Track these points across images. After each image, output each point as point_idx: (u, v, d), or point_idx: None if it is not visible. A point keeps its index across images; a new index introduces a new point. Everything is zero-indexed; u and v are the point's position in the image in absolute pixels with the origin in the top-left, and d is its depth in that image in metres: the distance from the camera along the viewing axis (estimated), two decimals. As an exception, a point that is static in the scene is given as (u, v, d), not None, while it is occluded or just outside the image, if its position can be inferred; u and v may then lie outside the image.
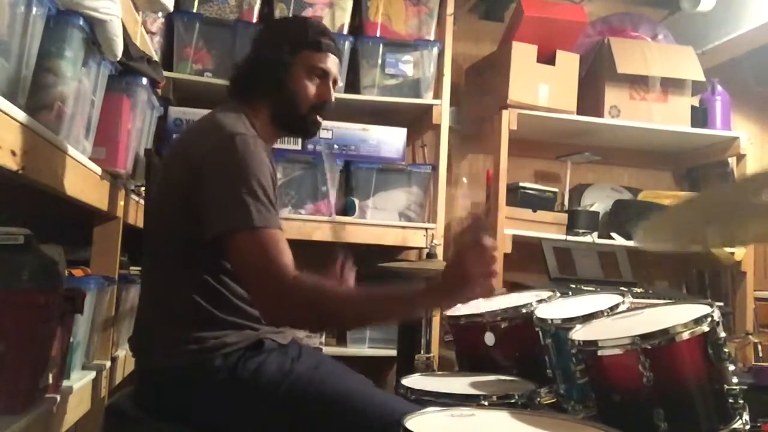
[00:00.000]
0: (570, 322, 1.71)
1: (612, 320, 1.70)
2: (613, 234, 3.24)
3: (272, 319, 1.36)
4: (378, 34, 2.96)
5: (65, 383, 1.38)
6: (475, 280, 1.27)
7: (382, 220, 2.82)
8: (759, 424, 1.87)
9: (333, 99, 1.59)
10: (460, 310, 2.09)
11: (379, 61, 2.92)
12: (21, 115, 1.00)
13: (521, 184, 3.20)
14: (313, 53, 1.55)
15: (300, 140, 2.78)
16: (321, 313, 1.32)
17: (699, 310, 1.51)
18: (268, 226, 1.31)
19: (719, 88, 3.44)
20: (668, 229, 1.47)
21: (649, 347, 1.41)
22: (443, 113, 2.96)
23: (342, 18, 2.93)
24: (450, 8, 3.03)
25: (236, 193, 1.31)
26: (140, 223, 1.82)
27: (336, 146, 2.82)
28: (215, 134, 1.40)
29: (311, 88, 1.55)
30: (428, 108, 2.98)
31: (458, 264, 1.31)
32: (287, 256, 1.31)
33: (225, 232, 1.31)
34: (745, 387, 1.49)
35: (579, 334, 1.62)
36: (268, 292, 1.30)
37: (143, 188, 1.96)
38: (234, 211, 1.31)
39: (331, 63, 1.57)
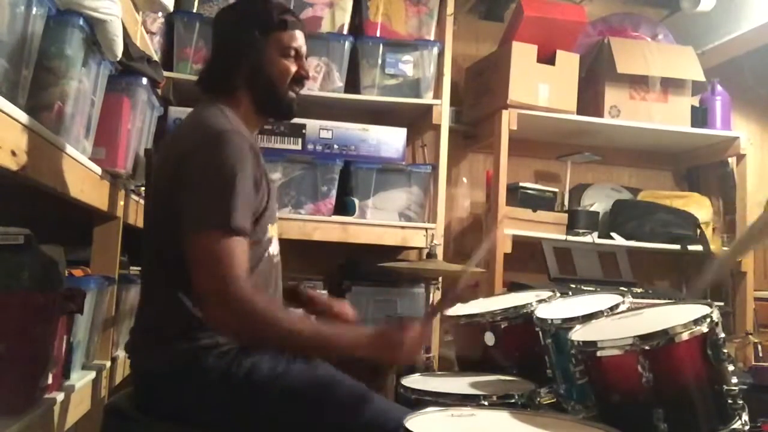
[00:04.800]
0: (570, 322, 1.71)
1: (612, 320, 1.70)
2: (613, 234, 3.24)
3: (213, 323, 1.32)
4: (378, 34, 2.96)
5: (65, 383, 1.38)
6: (408, 352, 1.35)
7: (382, 220, 2.82)
8: (759, 424, 1.87)
9: (310, 74, 1.61)
10: (460, 310, 2.09)
11: (379, 61, 2.92)
12: (21, 115, 1.00)
13: (521, 184, 3.20)
14: (283, 33, 1.54)
15: (300, 140, 2.78)
16: (259, 331, 1.29)
17: (698, 310, 1.51)
18: (240, 232, 1.29)
19: (719, 88, 3.44)
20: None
21: (649, 348, 1.41)
22: (443, 113, 2.96)
23: (342, 18, 2.93)
24: (450, 8, 3.02)
25: (214, 192, 1.30)
26: (140, 223, 1.82)
27: (336, 146, 2.82)
28: (198, 132, 1.40)
29: (290, 67, 1.55)
30: (428, 108, 2.97)
31: (401, 333, 1.35)
32: (243, 264, 1.29)
33: (196, 228, 1.29)
34: (745, 387, 1.49)
35: (578, 334, 1.62)
36: (215, 296, 1.27)
37: (143, 188, 1.96)
38: (210, 209, 1.29)
39: (301, 38, 1.57)
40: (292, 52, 1.55)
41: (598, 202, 3.44)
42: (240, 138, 1.38)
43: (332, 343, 1.34)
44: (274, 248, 1.51)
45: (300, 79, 1.57)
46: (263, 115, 1.60)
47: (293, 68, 1.55)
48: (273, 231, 1.50)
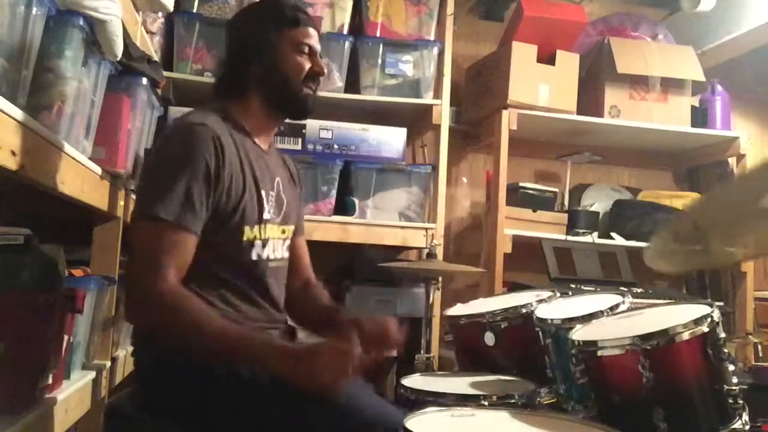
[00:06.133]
0: (570, 322, 1.71)
1: (612, 320, 1.70)
2: (613, 234, 3.24)
3: (130, 318, 1.35)
4: (378, 34, 2.96)
5: (65, 383, 1.38)
6: (323, 380, 1.20)
7: (382, 220, 2.82)
8: (759, 424, 1.87)
9: (324, 71, 1.59)
10: (460, 310, 2.09)
11: (379, 61, 2.92)
12: (21, 115, 1.00)
13: (521, 184, 3.20)
14: (295, 29, 1.54)
15: (300, 140, 2.78)
16: (175, 331, 1.26)
17: (699, 310, 1.51)
18: (176, 224, 1.28)
19: (719, 88, 3.44)
20: (674, 242, 1.47)
21: (649, 347, 1.41)
22: (443, 113, 2.96)
23: (342, 18, 2.93)
24: (450, 8, 3.02)
25: (159, 182, 1.31)
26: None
27: (336, 146, 2.82)
28: (169, 128, 1.42)
29: (304, 63, 1.54)
30: (428, 108, 2.97)
31: (316, 356, 1.22)
32: (177, 260, 1.27)
33: (138, 215, 1.32)
34: (745, 387, 1.49)
35: (579, 334, 1.62)
36: (137, 292, 1.28)
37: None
38: (152, 198, 1.29)
39: (314, 36, 1.57)
40: (306, 49, 1.54)
41: (598, 202, 3.45)
42: (204, 130, 1.37)
43: (238, 348, 1.26)
44: (268, 251, 1.48)
45: (314, 76, 1.56)
46: (277, 114, 1.58)
47: (307, 64, 1.54)
48: (263, 233, 1.47)
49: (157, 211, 1.27)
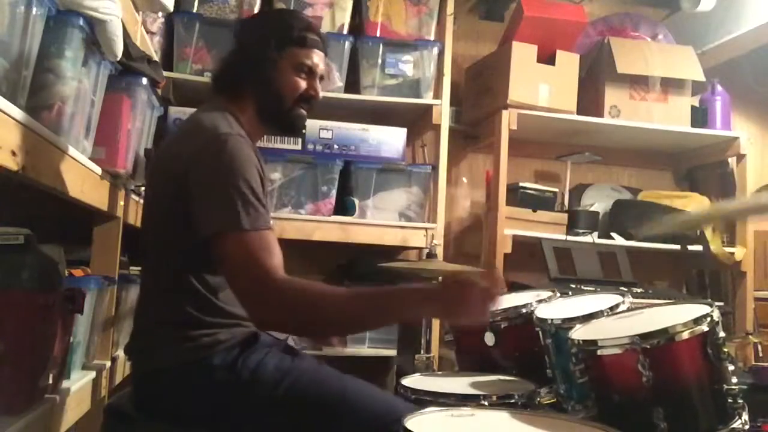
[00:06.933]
0: (570, 322, 1.71)
1: (612, 320, 1.70)
2: (613, 234, 3.24)
3: (259, 322, 1.33)
4: (378, 34, 2.96)
5: (65, 383, 1.38)
6: (472, 307, 1.26)
7: (382, 220, 2.82)
8: (759, 424, 1.87)
9: (320, 95, 1.59)
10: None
11: (379, 61, 2.92)
12: (21, 115, 1.00)
13: (521, 184, 3.20)
14: (299, 50, 1.54)
15: (300, 140, 2.78)
16: (308, 315, 1.27)
17: (698, 309, 1.51)
18: (256, 228, 1.29)
19: (719, 88, 3.44)
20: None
21: (649, 347, 1.41)
22: (443, 113, 2.96)
23: (342, 18, 2.93)
24: (450, 8, 3.02)
25: (224, 195, 1.30)
26: (140, 223, 1.82)
27: (336, 146, 2.82)
28: (200, 135, 1.39)
29: (300, 83, 1.54)
30: (428, 108, 2.98)
31: (463, 286, 1.27)
32: (274, 258, 1.28)
33: (212, 234, 1.29)
34: (745, 387, 1.49)
35: (579, 333, 1.62)
36: (253, 295, 1.27)
37: (143, 188, 1.96)
38: (222, 213, 1.29)
39: (318, 58, 1.57)
40: (306, 69, 1.54)
41: (598, 202, 3.44)
42: (242, 140, 1.38)
43: (386, 303, 1.30)
44: None
45: (308, 98, 1.56)
46: (265, 126, 1.59)
47: (303, 85, 1.54)
48: None
49: (242, 224, 1.27)
